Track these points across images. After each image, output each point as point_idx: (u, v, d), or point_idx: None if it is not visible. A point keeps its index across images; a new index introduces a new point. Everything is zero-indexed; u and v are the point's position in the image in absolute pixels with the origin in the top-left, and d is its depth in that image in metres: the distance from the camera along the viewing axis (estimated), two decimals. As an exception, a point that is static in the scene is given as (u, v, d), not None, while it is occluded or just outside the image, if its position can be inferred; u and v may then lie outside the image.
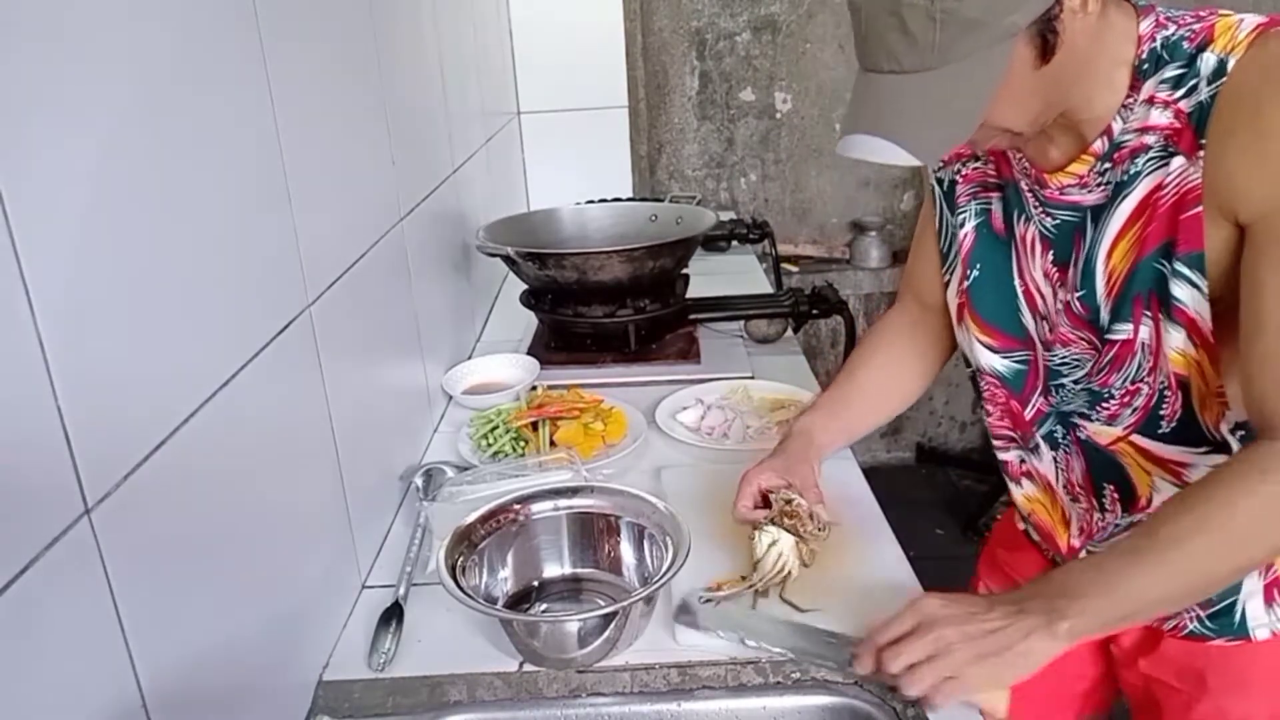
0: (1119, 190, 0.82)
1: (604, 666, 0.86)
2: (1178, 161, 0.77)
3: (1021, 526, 1.09)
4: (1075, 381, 0.91)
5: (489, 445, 1.23)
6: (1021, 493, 1.04)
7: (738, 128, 2.69)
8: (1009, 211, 0.93)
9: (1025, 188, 0.90)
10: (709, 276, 1.78)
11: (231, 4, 0.76)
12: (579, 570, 0.99)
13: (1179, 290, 0.79)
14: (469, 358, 1.54)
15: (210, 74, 0.72)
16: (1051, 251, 0.89)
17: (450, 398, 1.39)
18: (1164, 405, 0.85)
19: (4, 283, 0.48)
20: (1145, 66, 0.79)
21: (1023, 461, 1.01)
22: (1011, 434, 1.01)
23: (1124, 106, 0.80)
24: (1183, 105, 0.77)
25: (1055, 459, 0.97)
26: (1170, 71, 0.78)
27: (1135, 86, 0.80)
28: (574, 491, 0.99)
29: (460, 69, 1.67)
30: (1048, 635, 0.73)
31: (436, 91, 1.49)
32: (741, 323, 1.63)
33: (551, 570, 0.99)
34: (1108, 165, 0.82)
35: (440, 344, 1.43)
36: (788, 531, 0.92)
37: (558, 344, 1.60)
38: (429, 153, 1.42)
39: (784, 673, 0.85)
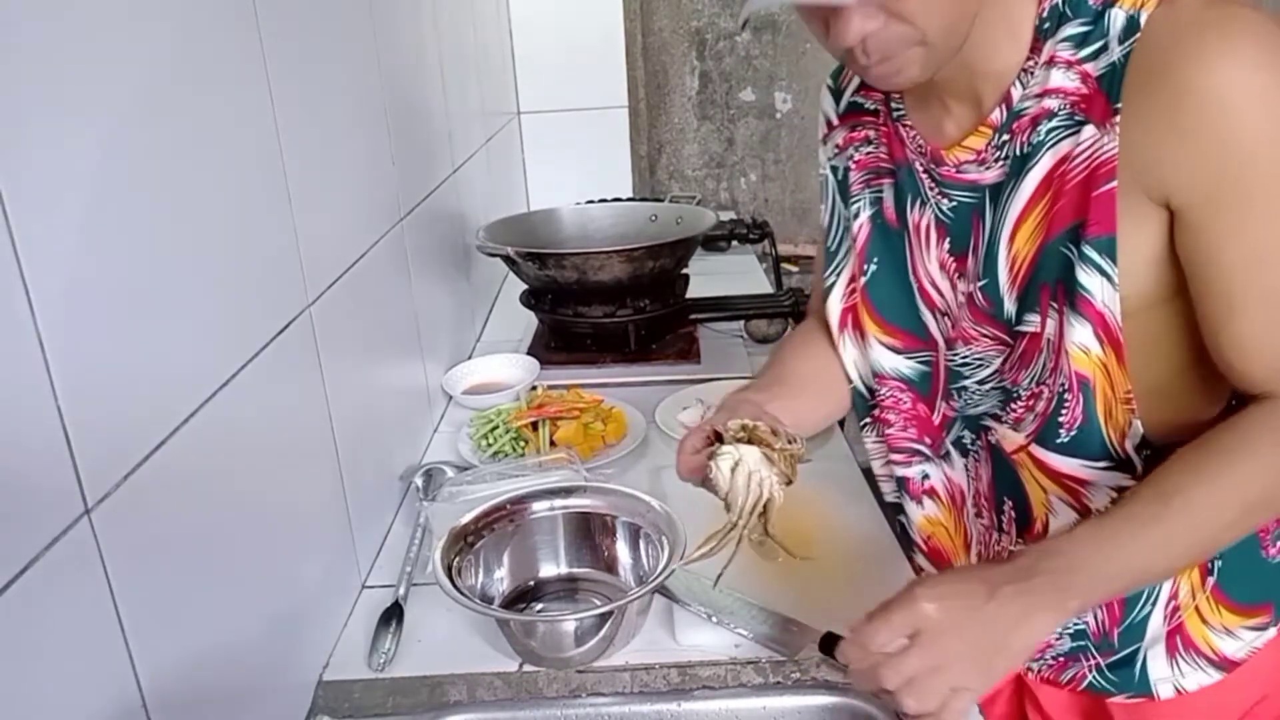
0: (1020, 165, 0.73)
1: (604, 666, 0.86)
2: (1088, 131, 0.69)
3: (914, 559, 0.98)
4: (980, 382, 0.82)
5: (489, 445, 1.23)
6: (922, 514, 0.93)
7: (738, 128, 2.69)
8: (901, 198, 0.85)
9: (920, 168, 0.82)
10: (709, 276, 1.78)
11: (231, 4, 0.76)
12: (575, 570, 0.99)
13: (1086, 278, 0.70)
14: (469, 358, 1.54)
15: (210, 74, 0.72)
16: (948, 239, 0.81)
17: (450, 398, 1.39)
18: (1063, 411, 0.76)
19: (4, 283, 0.48)
20: (1046, 25, 0.71)
21: (925, 478, 0.91)
22: (917, 445, 0.91)
23: (1024, 71, 0.73)
24: (1090, 68, 0.69)
25: (967, 466, 0.88)
26: (1072, 29, 0.70)
27: (1036, 48, 0.72)
28: (570, 491, 0.99)
29: (460, 69, 1.67)
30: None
31: (436, 91, 1.49)
32: (741, 323, 1.63)
33: (548, 570, 0.99)
34: (1006, 137, 0.74)
35: (440, 344, 1.43)
36: (750, 445, 0.76)
37: (558, 344, 1.60)
38: (429, 153, 1.42)
39: (784, 673, 0.85)
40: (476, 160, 1.76)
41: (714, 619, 0.89)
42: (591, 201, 1.96)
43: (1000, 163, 0.76)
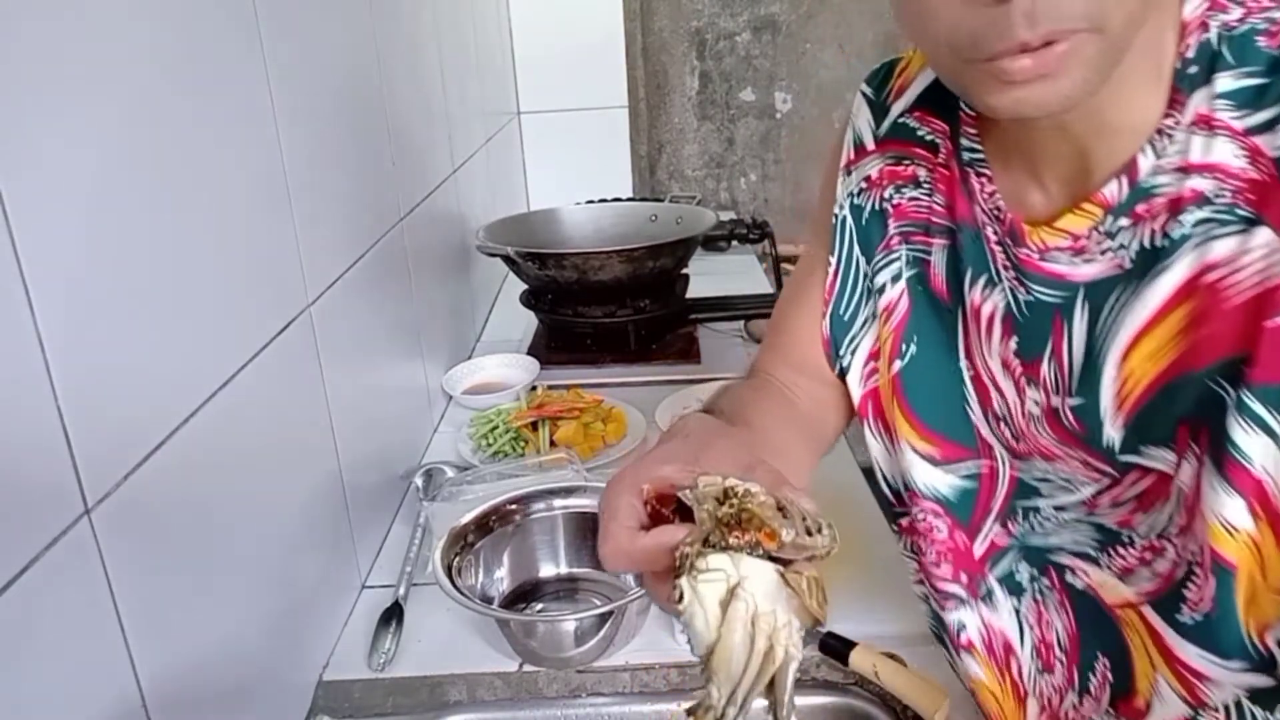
0: (1147, 263, 0.54)
1: (603, 666, 0.86)
2: (1262, 236, 0.50)
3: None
4: (1060, 508, 0.64)
5: (489, 445, 1.23)
6: (964, 670, 0.73)
7: (738, 128, 2.69)
8: (958, 268, 0.65)
9: (992, 237, 0.63)
10: (709, 276, 1.78)
11: (231, 4, 0.76)
12: (575, 570, 0.99)
13: (1244, 438, 0.51)
14: (469, 358, 1.54)
15: (210, 74, 0.72)
16: (1015, 338, 0.62)
17: (450, 398, 1.39)
18: (1190, 585, 0.57)
19: (4, 283, 0.48)
20: (1192, 70, 0.53)
21: (962, 629, 0.71)
22: (950, 586, 0.71)
23: (1159, 132, 0.54)
24: (1264, 143, 0.50)
25: (1019, 612, 0.69)
26: (1234, 81, 0.51)
27: (1177, 101, 0.53)
28: (569, 491, 0.99)
29: (460, 69, 1.67)
30: None
31: (436, 91, 1.49)
32: (741, 323, 1.63)
33: (548, 570, 0.99)
34: (1125, 223, 0.55)
35: (440, 344, 1.43)
36: (752, 556, 0.46)
37: (558, 344, 1.60)
38: (429, 153, 1.42)
39: (783, 673, 0.85)
40: (476, 160, 1.76)
41: None
42: (591, 201, 1.96)
43: (1109, 255, 0.56)
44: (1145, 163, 0.54)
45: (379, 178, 1.16)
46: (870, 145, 0.72)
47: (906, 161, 0.69)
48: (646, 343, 1.57)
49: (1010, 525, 0.68)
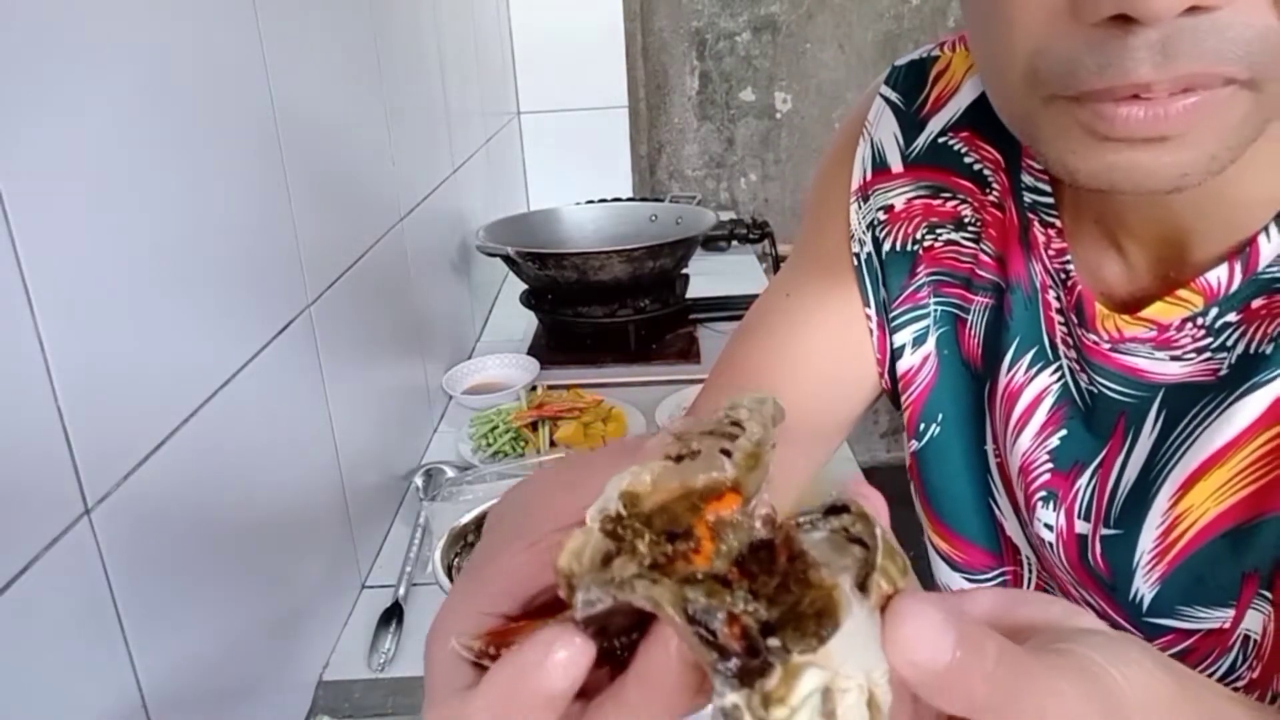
0: (1246, 373, 0.43)
1: (604, 666, 0.86)
2: None
3: None
4: None
5: (489, 445, 1.23)
6: None
7: (738, 128, 2.69)
8: (1000, 336, 0.53)
9: (1053, 303, 0.50)
10: (709, 276, 1.78)
11: (231, 3, 0.76)
12: (578, 570, 0.99)
13: None
14: (469, 358, 1.54)
15: (209, 74, 0.72)
16: (1063, 433, 0.50)
17: (450, 398, 1.39)
18: None
19: (4, 283, 0.48)
20: None
21: None
22: None
23: None
24: None
25: None
26: None
27: None
28: (572, 491, 0.99)
29: (460, 69, 1.67)
30: None
31: (436, 91, 1.49)
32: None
33: (551, 570, 0.99)
34: (1233, 319, 0.43)
35: (440, 344, 1.43)
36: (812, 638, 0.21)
37: (558, 344, 1.60)
38: (429, 153, 1.42)
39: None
40: (476, 160, 1.76)
41: None
42: (591, 201, 1.96)
43: (1206, 356, 0.44)
44: (1269, 247, 0.42)
45: (379, 177, 1.16)
46: (897, 167, 0.57)
47: (946, 195, 0.55)
48: (646, 343, 1.57)
49: None
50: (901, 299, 0.57)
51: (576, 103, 2.34)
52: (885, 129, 0.58)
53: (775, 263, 2.09)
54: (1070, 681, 0.24)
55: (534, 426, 1.25)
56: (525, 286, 1.61)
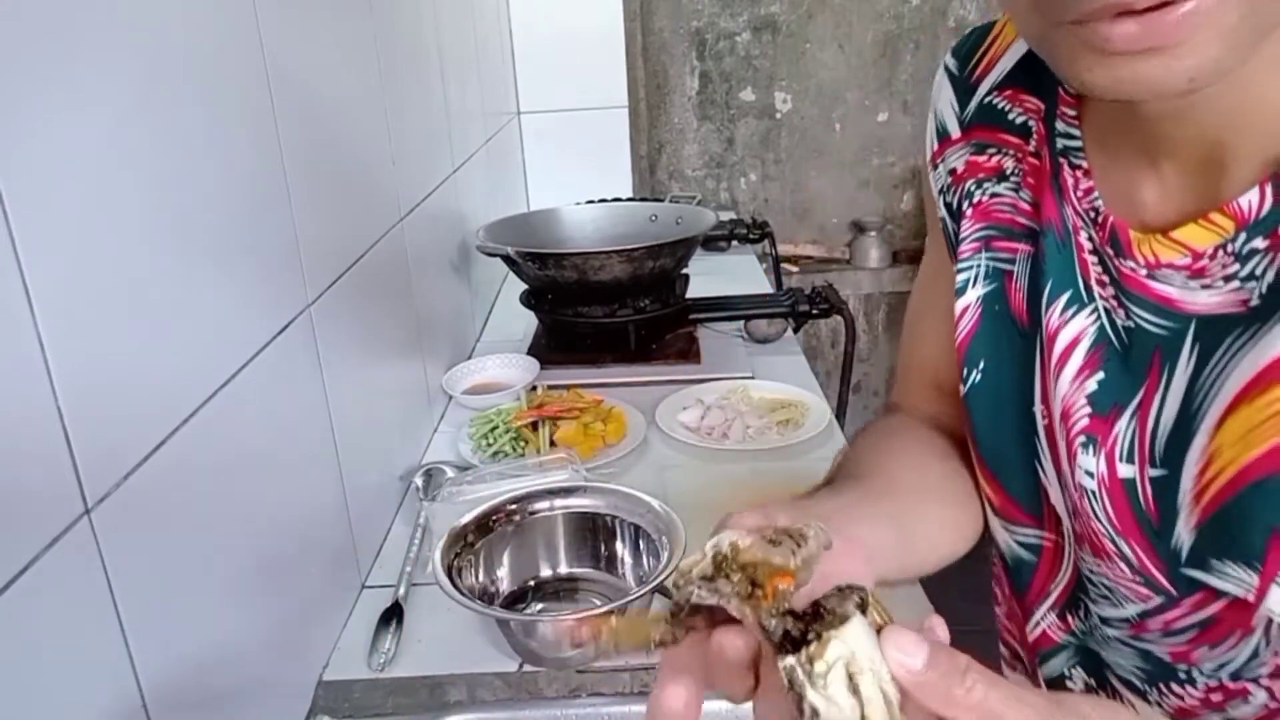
0: (1274, 304, 0.42)
1: (604, 666, 0.86)
2: None
3: None
4: (1106, 620, 0.52)
5: (489, 445, 1.23)
6: None
7: (738, 128, 2.69)
8: (1039, 281, 0.53)
9: (1085, 245, 0.51)
10: (709, 276, 1.78)
11: (231, 3, 0.76)
12: (575, 570, 0.99)
13: None
14: (469, 358, 1.54)
15: (210, 73, 0.72)
16: (1100, 374, 0.49)
17: (450, 398, 1.39)
18: None
19: (4, 283, 0.48)
20: None
21: None
22: (1006, 648, 0.63)
23: None
24: None
25: None
26: None
27: None
28: (570, 491, 0.99)
29: (460, 69, 1.67)
30: None
31: (436, 91, 1.49)
32: (741, 323, 1.63)
33: (548, 570, 0.99)
34: (1262, 244, 0.43)
35: (440, 344, 1.43)
36: (838, 620, 0.37)
37: (558, 344, 1.60)
38: (429, 153, 1.42)
39: (783, 673, 0.85)
40: (476, 160, 1.76)
41: None
42: (591, 201, 1.96)
43: (1235, 285, 0.44)
44: None
45: (379, 178, 1.16)
46: (955, 133, 0.60)
47: (991, 150, 0.57)
48: (646, 343, 1.57)
49: (1070, 620, 0.54)
50: (959, 253, 0.59)
51: (576, 103, 2.34)
52: (944, 99, 0.61)
53: (775, 262, 2.08)
54: (1036, 699, 0.33)
55: (534, 426, 1.25)
56: (525, 286, 1.61)
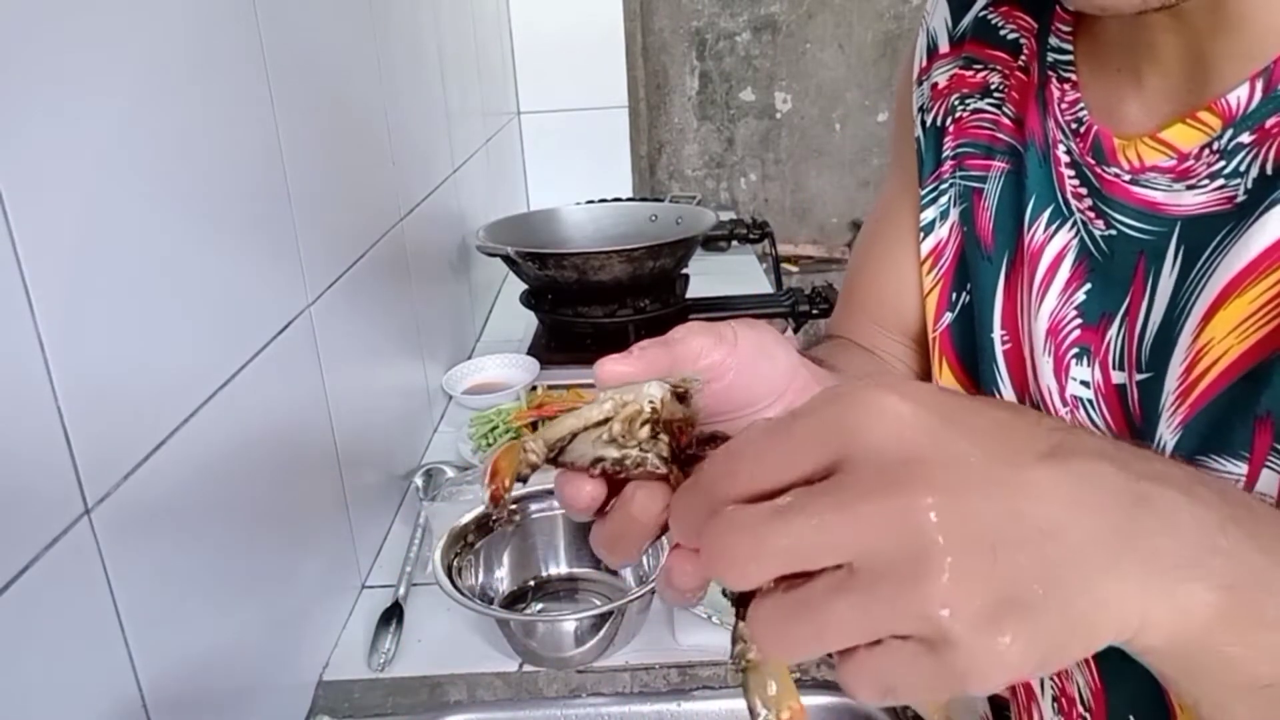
0: (1259, 195, 0.42)
1: (604, 666, 0.86)
2: None
3: None
4: None
5: (489, 445, 1.23)
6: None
7: (738, 128, 2.69)
8: (1016, 203, 0.53)
9: (1063, 157, 0.51)
10: (709, 276, 1.78)
11: (231, 3, 0.76)
12: (576, 570, 0.99)
13: None
14: (469, 358, 1.54)
15: (210, 73, 0.72)
16: (1087, 286, 0.49)
17: (450, 398, 1.39)
18: None
19: (4, 283, 0.48)
20: None
21: None
22: None
23: None
24: None
25: None
26: None
27: None
28: (571, 491, 0.99)
29: (460, 69, 1.67)
30: (1170, 583, 0.27)
31: (436, 91, 1.49)
32: (741, 323, 1.63)
33: (548, 570, 0.99)
34: (1246, 139, 0.42)
35: (440, 344, 1.43)
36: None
37: (558, 344, 1.60)
38: (429, 153, 1.42)
39: (783, 673, 0.85)
40: (476, 160, 1.76)
41: (714, 619, 0.89)
42: (591, 201, 1.96)
43: (1220, 183, 0.43)
44: None
45: (379, 178, 1.16)
46: (944, 47, 0.60)
47: (978, 66, 0.57)
48: (646, 343, 1.57)
49: None
50: (931, 177, 0.59)
51: (576, 103, 2.34)
52: (939, 16, 0.61)
53: (775, 262, 2.08)
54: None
55: (534, 426, 1.25)
56: (525, 286, 1.61)
